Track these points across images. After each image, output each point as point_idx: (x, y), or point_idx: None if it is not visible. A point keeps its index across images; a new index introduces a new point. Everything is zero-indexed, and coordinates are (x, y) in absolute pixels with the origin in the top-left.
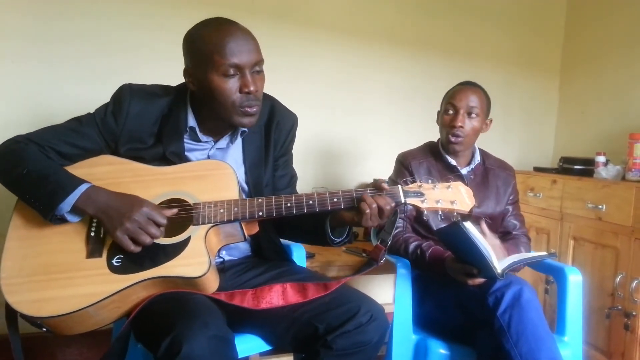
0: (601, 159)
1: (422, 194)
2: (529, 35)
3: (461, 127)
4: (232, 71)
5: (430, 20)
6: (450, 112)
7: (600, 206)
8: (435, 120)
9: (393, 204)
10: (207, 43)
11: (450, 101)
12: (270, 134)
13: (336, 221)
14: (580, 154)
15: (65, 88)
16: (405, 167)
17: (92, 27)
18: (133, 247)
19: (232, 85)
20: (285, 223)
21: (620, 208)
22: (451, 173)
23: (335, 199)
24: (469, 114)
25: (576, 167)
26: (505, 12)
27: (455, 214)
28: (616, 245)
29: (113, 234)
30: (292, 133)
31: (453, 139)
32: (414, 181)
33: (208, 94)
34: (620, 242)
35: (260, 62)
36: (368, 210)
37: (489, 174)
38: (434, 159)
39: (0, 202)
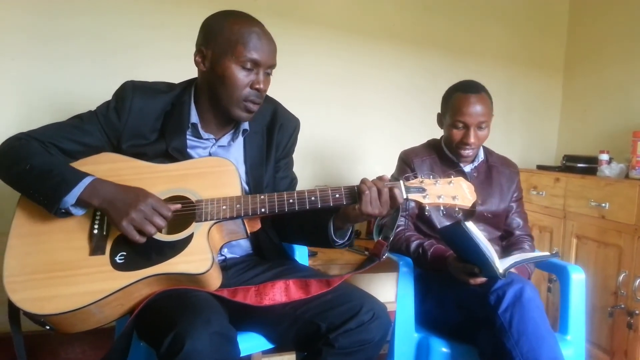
0: (604, 157)
1: (423, 190)
2: (531, 33)
3: (474, 142)
4: (249, 65)
5: (431, 18)
6: (460, 126)
7: (603, 204)
8: (436, 121)
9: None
10: (234, 31)
11: (459, 118)
12: (273, 136)
13: (340, 219)
14: (583, 152)
15: (66, 86)
16: (407, 164)
17: (93, 25)
18: (138, 237)
19: (245, 78)
20: (287, 224)
21: (624, 206)
22: (454, 170)
23: (337, 195)
24: (479, 127)
25: (579, 165)
26: (508, 10)
27: (457, 209)
28: (619, 243)
29: (118, 224)
30: (294, 136)
31: (465, 153)
32: (415, 177)
33: (218, 79)
34: (623, 241)
35: (274, 66)
36: (367, 192)
37: (493, 171)
38: (437, 156)
39: (2, 200)
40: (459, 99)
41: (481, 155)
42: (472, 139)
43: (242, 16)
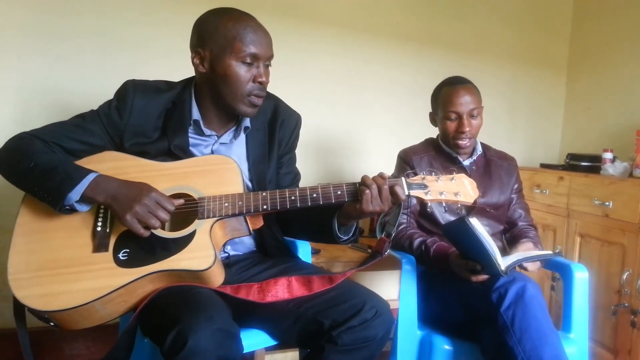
0: (608, 155)
1: (425, 186)
2: (535, 31)
3: (469, 130)
4: (249, 60)
5: (435, 16)
6: (453, 118)
7: (607, 203)
8: (429, 121)
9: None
10: (230, 28)
11: (451, 109)
12: (275, 132)
13: (342, 216)
14: (587, 150)
15: (70, 85)
16: (406, 162)
17: (96, 24)
18: (142, 231)
19: (246, 73)
20: (291, 221)
21: (627, 205)
22: (453, 165)
23: (339, 192)
24: (471, 115)
25: (583, 163)
26: (511, 8)
27: (459, 205)
28: (623, 242)
29: (123, 218)
30: (296, 131)
31: (463, 144)
32: (415, 174)
33: (220, 78)
34: (627, 239)
35: (272, 57)
36: (367, 190)
37: (491, 165)
38: (435, 152)
39: (6, 198)
40: (447, 93)
41: (479, 149)
42: (466, 127)
43: (234, 12)
